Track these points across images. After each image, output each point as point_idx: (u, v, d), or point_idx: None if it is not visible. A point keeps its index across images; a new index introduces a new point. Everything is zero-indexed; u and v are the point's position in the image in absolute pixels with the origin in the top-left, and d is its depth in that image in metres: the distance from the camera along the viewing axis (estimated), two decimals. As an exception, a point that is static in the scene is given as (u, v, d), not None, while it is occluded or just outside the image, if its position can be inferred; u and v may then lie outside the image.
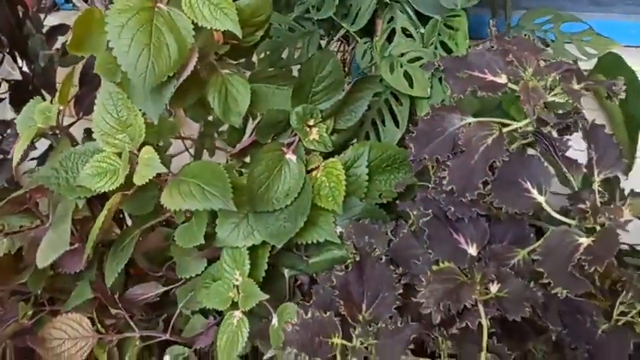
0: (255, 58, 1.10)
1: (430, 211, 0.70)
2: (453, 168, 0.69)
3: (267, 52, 1.07)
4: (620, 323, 0.81)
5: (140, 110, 0.81)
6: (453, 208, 0.69)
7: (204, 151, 1.16)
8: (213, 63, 0.87)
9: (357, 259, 0.69)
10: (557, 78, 0.67)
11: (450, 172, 0.69)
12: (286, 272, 0.95)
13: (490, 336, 0.67)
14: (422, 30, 1.06)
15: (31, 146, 1.21)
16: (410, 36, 1.06)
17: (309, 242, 0.90)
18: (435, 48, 1.02)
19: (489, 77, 0.69)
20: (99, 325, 0.93)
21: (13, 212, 0.90)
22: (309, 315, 0.66)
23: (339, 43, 1.28)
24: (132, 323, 0.96)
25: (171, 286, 1.02)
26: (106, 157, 0.84)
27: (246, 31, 0.87)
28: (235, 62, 0.96)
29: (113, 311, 0.98)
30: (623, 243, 1.35)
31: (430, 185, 0.82)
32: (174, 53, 0.75)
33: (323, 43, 1.21)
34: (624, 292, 0.80)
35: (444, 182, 0.68)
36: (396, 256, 0.77)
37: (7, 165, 1.16)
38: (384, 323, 0.65)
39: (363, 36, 1.13)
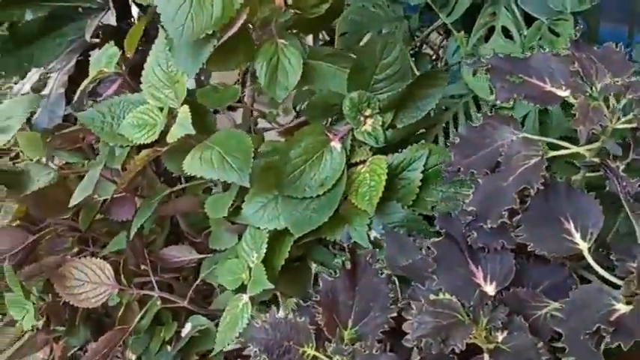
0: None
1: (444, 230, 0.60)
2: (482, 187, 0.58)
3: (346, 32, 0.99)
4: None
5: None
6: (475, 234, 0.59)
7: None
8: (272, 31, 0.82)
9: (349, 266, 0.61)
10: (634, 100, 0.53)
11: (477, 192, 0.58)
12: (314, 267, 0.89)
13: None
14: (525, 32, 0.93)
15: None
16: (510, 37, 0.93)
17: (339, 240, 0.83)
18: (532, 53, 0.88)
19: (548, 87, 0.57)
20: (122, 276, 0.92)
21: (64, 148, 0.92)
22: (282, 315, 0.59)
23: (440, 35, 1.18)
24: (154, 281, 0.94)
25: (205, 255, 0.99)
26: (149, 110, 0.83)
27: (309, 2, 0.81)
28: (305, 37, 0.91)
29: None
30: None
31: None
32: (217, 11, 0.71)
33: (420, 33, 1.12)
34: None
35: (466, 201, 0.58)
36: (412, 275, 0.67)
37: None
38: (361, 346, 0.57)
39: (460, 30, 1.01)
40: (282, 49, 0.81)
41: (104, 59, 0.92)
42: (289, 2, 0.72)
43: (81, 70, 1.23)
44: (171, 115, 0.82)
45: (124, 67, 0.95)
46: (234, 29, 0.73)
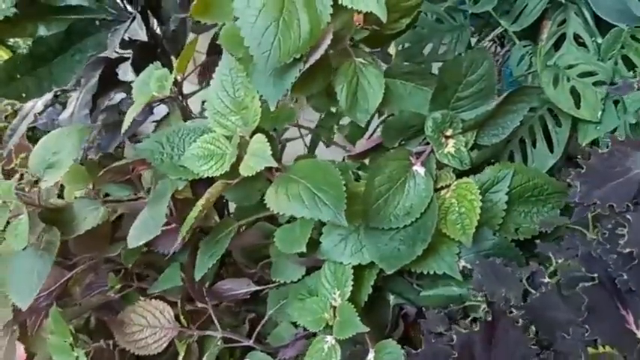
0: (392, 50, 0.98)
1: (596, 275, 0.54)
2: (636, 224, 0.53)
3: (407, 44, 0.93)
4: None
5: (258, 93, 0.71)
6: (625, 276, 0.53)
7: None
8: (347, 49, 0.76)
9: (489, 318, 0.55)
10: None
11: (632, 230, 0.52)
12: (392, 299, 0.83)
13: None
14: (599, 40, 0.88)
15: (149, 112, 1.17)
16: (583, 45, 0.89)
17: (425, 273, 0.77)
18: (615, 64, 0.84)
19: None
20: (182, 317, 0.85)
21: (114, 181, 0.84)
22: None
23: (492, 43, 1.12)
24: (216, 322, 0.87)
25: (264, 287, 0.92)
26: (214, 139, 0.76)
27: (391, 17, 0.74)
28: (370, 51, 0.84)
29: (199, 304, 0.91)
30: None
31: (588, 234, 0.66)
32: (305, 32, 0.64)
33: (473, 40, 1.07)
34: None
35: (621, 242, 0.52)
36: (533, 316, 0.61)
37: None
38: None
39: (522, 38, 0.96)
40: (360, 69, 0.74)
41: (153, 83, 0.84)
42: (383, 19, 0.64)
43: (104, 87, 1.14)
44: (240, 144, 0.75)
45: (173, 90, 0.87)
46: (322, 50, 0.66)
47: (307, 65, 0.66)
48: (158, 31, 1.22)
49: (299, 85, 0.69)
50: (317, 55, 0.66)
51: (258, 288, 0.93)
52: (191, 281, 0.87)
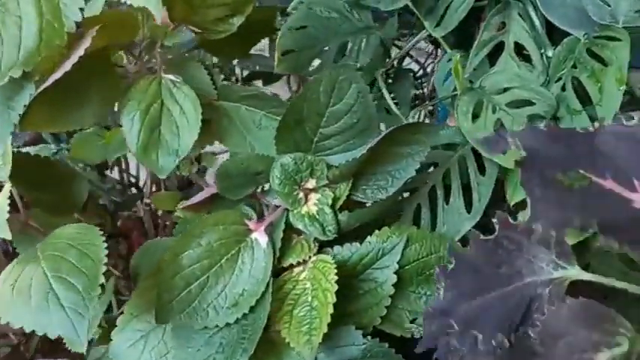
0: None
1: None
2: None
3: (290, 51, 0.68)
4: None
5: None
6: None
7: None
8: (157, 60, 0.52)
9: None
10: None
11: None
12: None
13: None
14: (549, 52, 0.62)
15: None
16: (527, 59, 0.63)
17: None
18: (563, 89, 0.58)
19: (626, 194, 0.27)
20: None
21: None
22: None
23: (433, 47, 0.88)
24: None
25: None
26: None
27: (212, 13, 0.50)
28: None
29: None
30: None
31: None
32: (30, 38, 0.41)
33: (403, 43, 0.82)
34: None
35: None
36: None
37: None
38: None
39: (456, 46, 0.71)
40: (169, 89, 0.50)
41: None
42: (157, 18, 0.41)
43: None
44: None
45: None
46: (69, 65, 0.42)
47: (44, 86, 0.42)
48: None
49: (48, 114, 0.45)
50: (59, 73, 0.42)
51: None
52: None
